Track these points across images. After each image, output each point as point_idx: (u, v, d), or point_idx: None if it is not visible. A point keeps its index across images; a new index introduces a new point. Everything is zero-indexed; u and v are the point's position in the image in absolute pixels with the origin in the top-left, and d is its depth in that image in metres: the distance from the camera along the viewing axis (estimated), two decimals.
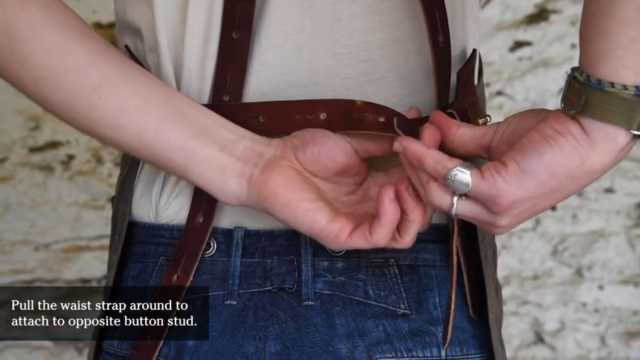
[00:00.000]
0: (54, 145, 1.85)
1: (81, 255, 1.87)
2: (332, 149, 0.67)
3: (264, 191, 0.66)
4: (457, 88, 0.72)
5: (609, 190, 1.79)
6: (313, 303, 0.70)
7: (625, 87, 0.55)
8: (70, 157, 1.86)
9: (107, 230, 1.90)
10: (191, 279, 0.71)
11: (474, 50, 0.75)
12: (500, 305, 0.81)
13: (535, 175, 0.58)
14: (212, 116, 0.68)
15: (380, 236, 0.64)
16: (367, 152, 0.68)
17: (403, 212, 0.64)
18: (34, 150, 1.85)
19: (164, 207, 0.74)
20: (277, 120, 0.69)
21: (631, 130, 0.56)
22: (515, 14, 1.76)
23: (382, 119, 0.67)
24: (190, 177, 0.68)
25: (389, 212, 0.63)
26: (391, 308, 0.70)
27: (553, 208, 1.81)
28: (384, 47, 0.71)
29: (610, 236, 1.79)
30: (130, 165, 0.78)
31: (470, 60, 0.74)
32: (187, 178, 0.68)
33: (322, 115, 0.68)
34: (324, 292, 0.70)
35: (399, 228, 0.65)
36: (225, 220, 0.72)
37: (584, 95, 0.56)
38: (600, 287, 1.81)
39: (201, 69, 0.71)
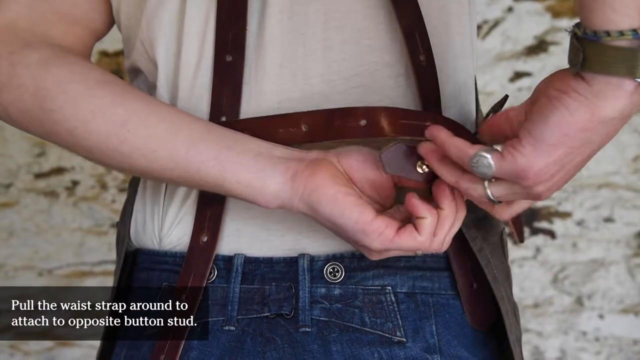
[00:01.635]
0: (59, 171, 1.87)
1: (84, 280, 1.88)
2: (371, 162, 0.68)
3: (310, 184, 0.66)
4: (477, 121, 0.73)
5: (609, 220, 1.79)
6: (310, 329, 0.71)
7: (622, 33, 0.53)
8: (75, 183, 1.87)
9: (110, 256, 1.91)
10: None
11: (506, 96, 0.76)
12: (519, 326, 0.80)
13: (548, 140, 0.57)
14: (240, 133, 0.70)
15: (427, 232, 0.64)
16: (398, 179, 0.68)
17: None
18: (39, 176, 1.87)
19: (166, 234, 0.75)
20: (261, 134, 0.70)
21: (637, 79, 0.54)
22: (515, 45, 1.78)
23: (363, 122, 0.67)
24: (227, 186, 0.68)
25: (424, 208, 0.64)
26: (387, 335, 0.71)
27: (553, 237, 1.81)
28: (375, 71, 0.72)
29: (611, 265, 1.80)
30: (133, 190, 0.81)
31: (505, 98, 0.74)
32: (224, 188, 0.68)
33: (304, 127, 0.69)
34: (321, 318, 0.71)
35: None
36: (225, 247, 0.74)
37: (581, 51, 0.55)
38: (601, 316, 1.80)
39: (193, 97, 0.73)
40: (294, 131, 0.69)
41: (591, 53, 0.54)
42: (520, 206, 0.67)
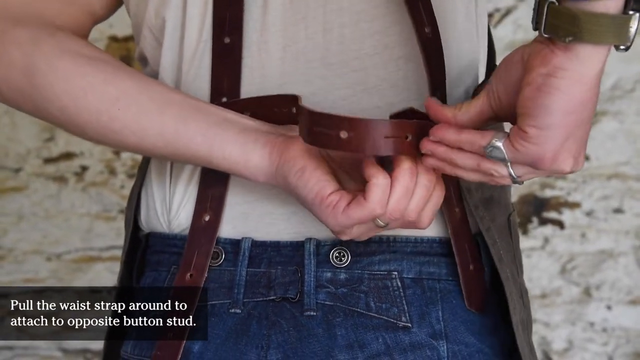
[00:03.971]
0: (68, 156, 1.87)
1: (92, 265, 1.89)
2: None
3: (285, 154, 0.67)
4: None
5: (618, 211, 1.78)
6: (315, 313, 0.71)
7: None
8: (84, 169, 1.88)
9: (119, 242, 1.92)
10: (205, 275, 0.72)
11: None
12: (527, 310, 0.80)
13: (555, 125, 0.58)
14: (230, 111, 0.70)
15: (377, 198, 0.63)
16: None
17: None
18: (48, 161, 1.88)
19: (174, 217, 0.75)
20: (259, 113, 0.71)
21: (618, 47, 0.55)
22: (526, 34, 1.77)
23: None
24: (214, 162, 0.69)
25: (375, 173, 0.63)
26: (392, 321, 0.71)
27: (562, 227, 1.81)
28: (374, 55, 0.72)
29: (619, 256, 1.79)
30: (141, 174, 0.81)
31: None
32: (212, 164, 0.69)
33: (294, 110, 0.70)
34: (326, 302, 0.71)
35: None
36: (232, 230, 0.74)
37: (578, 20, 0.54)
38: (609, 307, 1.80)
39: (194, 80, 0.73)
40: (287, 112, 0.70)
41: (587, 23, 0.54)
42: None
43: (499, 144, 0.60)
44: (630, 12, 0.54)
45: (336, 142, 0.62)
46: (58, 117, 0.70)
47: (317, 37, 0.72)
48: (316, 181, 0.65)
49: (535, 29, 0.57)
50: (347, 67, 0.72)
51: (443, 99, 0.71)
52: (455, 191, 0.73)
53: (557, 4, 0.55)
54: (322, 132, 0.63)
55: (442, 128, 0.63)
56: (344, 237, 0.67)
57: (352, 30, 0.72)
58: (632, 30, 0.55)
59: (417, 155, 0.65)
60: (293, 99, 0.69)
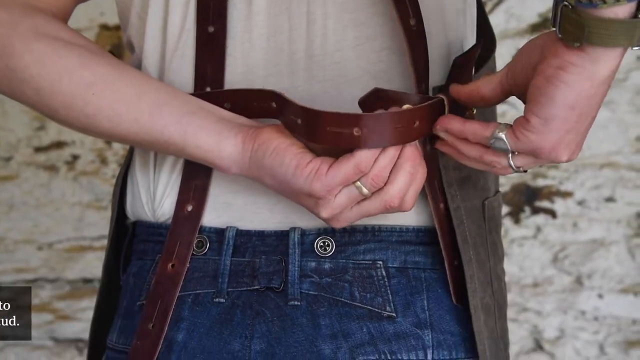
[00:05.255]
0: (59, 145, 1.87)
1: (84, 255, 1.88)
2: None
3: (258, 139, 0.67)
4: (450, 76, 0.73)
5: (610, 200, 1.78)
6: (299, 303, 0.71)
7: (617, 0, 0.55)
8: (75, 158, 1.87)
9: None
10: (187, 265, 0.72)
11: (479, 42, 0.75)
12: (498, 296, 0.78)
13: (558, 117, 0.61)
14: (207, 102, 0.70)
15: (364, 155, 0.64)
16: None
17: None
18: (39, 150, 1.87)
19: (158, 205, 0.75)
20: (239, 106, 0.71)
21: (632, 48, 0.57)
22: (519, 23, 1.77)
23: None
24: (188, 151, 0.69)
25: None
26: (376, 310, 0.71)
27: (554, 216, 1.81)
28: (356, 46, 0.71)
29: (611, 245, 1.79)
30: (126, 161, 0.81)
31: (471, 50, 0.73)
32: (185, 152, 0.69)
33: (273, 104, 0.70)
34: (310, 292, 0.71)
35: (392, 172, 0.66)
36: (217, 219, 0.74)
37: (585, 27, 0.56)
38: (600, 296, 1.80)
39: (178, 69, 0.73)
40: (266, 106, 0.70)
41: (595, 28, 0.56)
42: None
43: (502, 135, 0.64)
44: None
45: (350, 140, 0.64)
46: (33, 100, 0.70)
47: (301, 28, 0.71)
48: (292, 156, 0.65)
49: (553, 26, 0.60)
50: (329, 59, 0.71)
51: (427, 91, 0.71)
52: (439, 187, 0.73)
53: (570, 7, 0.57)
54: (335, 131, 0.64)
55: (447, 119, 0.67)
56: (326, 211, 0.66)
57: (334, 21, 0.71)
58: None
59: (419, 138, 0.67)
60: (272, 95, 0.69)
